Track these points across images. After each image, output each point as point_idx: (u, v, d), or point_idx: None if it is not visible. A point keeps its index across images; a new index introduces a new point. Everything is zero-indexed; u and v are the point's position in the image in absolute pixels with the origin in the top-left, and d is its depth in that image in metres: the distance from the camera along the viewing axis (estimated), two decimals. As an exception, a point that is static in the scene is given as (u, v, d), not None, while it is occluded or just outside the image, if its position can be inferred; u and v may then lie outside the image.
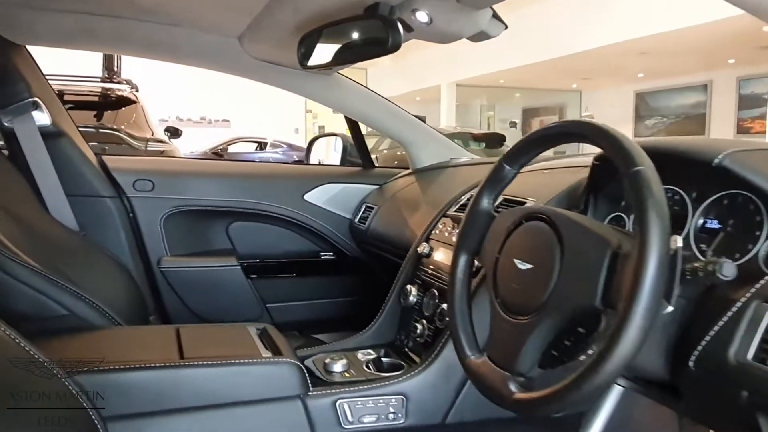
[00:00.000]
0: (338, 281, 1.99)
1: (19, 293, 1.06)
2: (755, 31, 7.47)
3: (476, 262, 0.91)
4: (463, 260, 0.92)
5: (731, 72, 10.50)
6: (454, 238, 1.21)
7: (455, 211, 1.34)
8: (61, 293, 1.11)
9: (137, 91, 5.78)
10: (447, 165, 1.84)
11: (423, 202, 1.66)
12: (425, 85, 13.32)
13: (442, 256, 1.26)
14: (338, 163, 2.18)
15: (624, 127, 12.57)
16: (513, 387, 0.73)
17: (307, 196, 1.89)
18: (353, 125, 1.96)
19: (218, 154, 11.40)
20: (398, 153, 6.74)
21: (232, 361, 0.98)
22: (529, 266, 0.77)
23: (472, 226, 0.92)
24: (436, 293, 1.22)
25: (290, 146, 11.73)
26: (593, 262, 0.68)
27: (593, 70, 11.36)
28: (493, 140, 8.91)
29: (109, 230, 1.66)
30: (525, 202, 1.09)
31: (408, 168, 2.00)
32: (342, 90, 1.75)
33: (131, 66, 5.63)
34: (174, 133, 6.72)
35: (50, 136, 1.50)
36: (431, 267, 1.29)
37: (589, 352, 0.72)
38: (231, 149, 11.73)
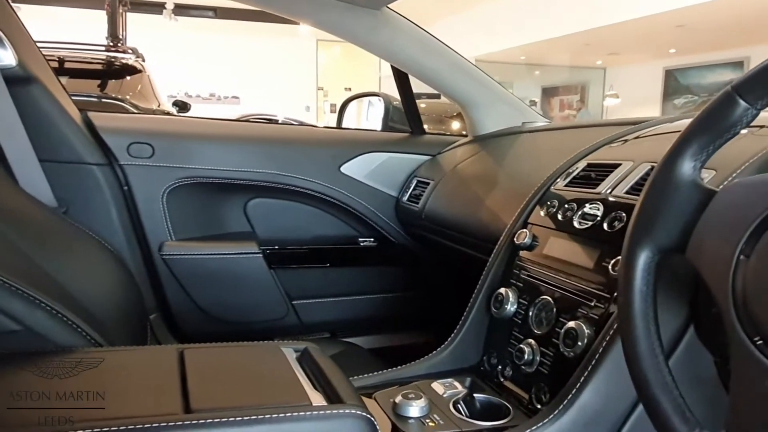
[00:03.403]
0: (381, 273, 1.62)
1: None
2: (804, 1, 6.95)
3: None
4: (646, 260, 0.55)
5: (748, 57, 9.91)
6: (576, 223, 0.84)
7: (567, 186, 0.97)
8: (9, 298, 0.75)
9: (143, 60, 5.44)
10: (520, 131, 1.46)
11: (500, 177, 1.28)
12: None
13: (557, 248, 0.89)
14: (379, 129, 1.80)
15: (650, 107, 12.08)
16: None
17: (344, 168, 1.52)
18: (402, 79, 1.58)
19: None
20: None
21: (268, 416, 0.61)
22: None
23: (664, 204, 0.55)
24: (552, 303, 0.85)
25: (301, 124, 11.36)
26: None
27: (624, 44, 10.80)
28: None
29: (96, 207, 1.30)
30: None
31: (465, 135, 1.63)
32: (392, 31, 1.37)
33: (139, 41, 5.32)
34: (182, 107, 6.39)
35: (16, 81, 1.13)
36: (537, 264, 0.91)
37: None
38: (241, 127, 11.37)
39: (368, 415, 0.64)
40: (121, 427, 0.56)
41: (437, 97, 3.48)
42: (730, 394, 0.47)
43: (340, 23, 1.35)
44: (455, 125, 3.62)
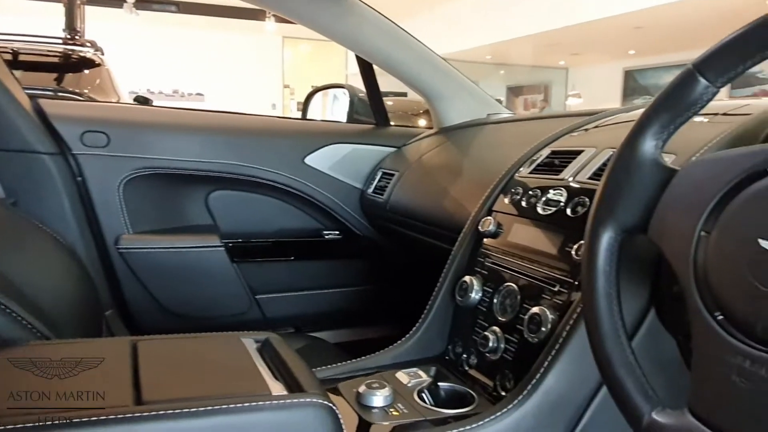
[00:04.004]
0: (346, 266, 1.60)
1: None
2: (757, 5, 7.19)
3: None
4: (609, 240, 0.55)
5: None
6: (540, 209, 0.84)
7: (530, 173, 0.97)
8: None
9: (103, 54, 5.28)
10: (485, 122, 1.46)
11: (465, 167, 1.28)
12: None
13: (521, 234, 0.89)
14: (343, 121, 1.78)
15: (611, 107, 12.34)
16: None
17: (308, 160, 1.49)
18: (367, 70, 1.56)
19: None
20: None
21: (224, 407, 0.59)
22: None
23: (626, 184, 0.55)
24: (517, 289, 0.84)
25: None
26: None
27: (585, 45, 11.00)
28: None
29: (48, 199, 1.25)
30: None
31: (430, 127, 1.62)
32: (357, 20, 1.35)
33: (99, 34, 5.16)
34: (143, 102, 6.19)
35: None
36: (502, 251, 0.91)
37: None
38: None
39: (330, 404, 0.62)
40: (64, 421, 0.52)
41: (405, 94, 3.48)
42: (692, 370, 0.47)
43: (303, 10, 1.33)
44: (422, 123, 3.62)
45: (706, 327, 0.45)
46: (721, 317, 0.44)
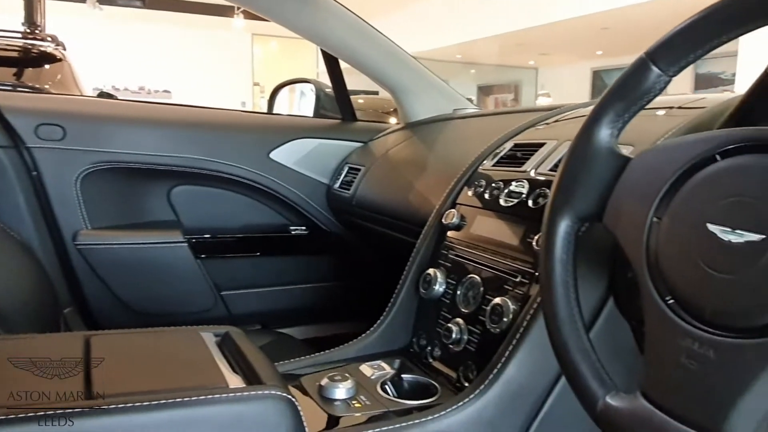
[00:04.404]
0: (312, 262, 1.59)
1: None
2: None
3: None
4: (566, 229, 0.56)
5: None
6: (502, 201, 0.84)
7: (494, 166, 0.97)
8: None
9: (64, 48, 5.15)
10: (451, 117, 1.47)
11: (430, 161, 1.28)
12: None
13: (484, 226, 0.89)
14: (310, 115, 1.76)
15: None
16: None
17: (273, 154, 1.47)
18: (332, 64, 1.55)
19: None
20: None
21: (178, 400, 0.57)
22: (757, 237, 0.40)
23: (583, 172, 0.55)
24: (480, 281, 0.85)
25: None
26: None
27: (554, 45, 11.17)
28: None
29: (1, 193, 1.21)
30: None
31: (396, 120, 1.62)
32: (323, 13, 1.34)
33: (61, 29, 5.02)
34: (107, 98, 6.08)
35: None
36: (465, 244, 0.91)
37: None
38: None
39: (289, 396, 0.61)
40: (9, 417, 0.50)
41: (376, 93, 3.47)
42: (644, 354, 0.47)
43: (268, 3, 1.31)
44: (393, 121, 3.61)
45: (657, 311, 0.46)
46: (671, 301, 0.45)
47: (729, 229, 0.42)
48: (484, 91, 15.16)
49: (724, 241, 0.42)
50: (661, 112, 0.83)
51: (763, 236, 0.40)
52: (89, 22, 10.05)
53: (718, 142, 0.46)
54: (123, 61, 11.51)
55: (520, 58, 13.05)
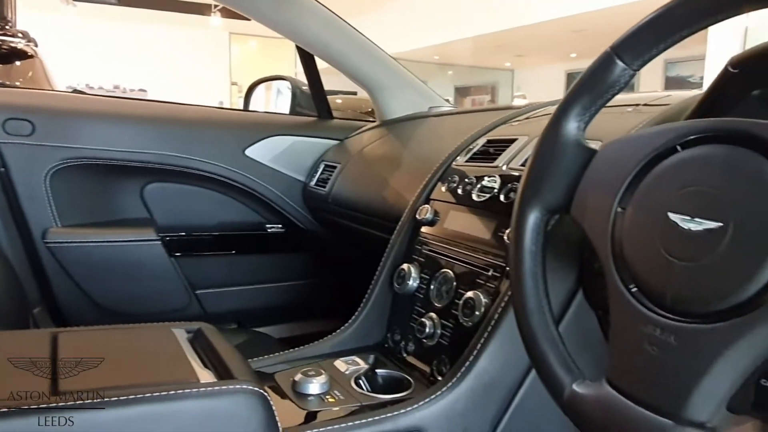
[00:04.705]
0: (288, 260, 1.58)
1: None
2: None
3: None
4: (534, 221, 0.57)
5: (661, 55, 10.70)
6: (475, 196, 0.85)
7: (467, 162, 0.98)
8: None
9: (36, 45, 5.05)
10: (427, 115, 1.47)
11: (405, 158, 1.28)
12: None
13: (457, 221, 0.90)
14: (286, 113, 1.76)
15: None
16: None
17: (248, 151, 1.47)
18: (308, 61, 1.55)
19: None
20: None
21: (149, 395, 0.57)
22: (715, 224, 0.42)
23: (551, 164, 0.56)
24: (453, 276, 0.85)
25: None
26: None
27: (529, 47, 11.28)
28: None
29: None
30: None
31: (373, 120, 1.62)
32: (298, 9, 1.33)
33: (34, 26, 4.93)
34: (80, 95, 5.97)
35: None
36: (438, 238, 0.92)
37: None
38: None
39: (260, 390, 0.61)
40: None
41: (354, 93, 3.46)
42: (609, 342, 0.48)
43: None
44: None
45: (621, 299, 0.47)
46: (635, 289, 0.46)
47: (689, 218, 0.43)
48: (462, 92, 15.25)
49: (684, 230, 0.43)
50: (629, 109, 0.85)
51: (721, 224, 0.41)
52: (62, 18, 9.85)
53: (678, 133, 0.47)
54: (97, 59, 11.30)
55: (497, 59, 13.16)
